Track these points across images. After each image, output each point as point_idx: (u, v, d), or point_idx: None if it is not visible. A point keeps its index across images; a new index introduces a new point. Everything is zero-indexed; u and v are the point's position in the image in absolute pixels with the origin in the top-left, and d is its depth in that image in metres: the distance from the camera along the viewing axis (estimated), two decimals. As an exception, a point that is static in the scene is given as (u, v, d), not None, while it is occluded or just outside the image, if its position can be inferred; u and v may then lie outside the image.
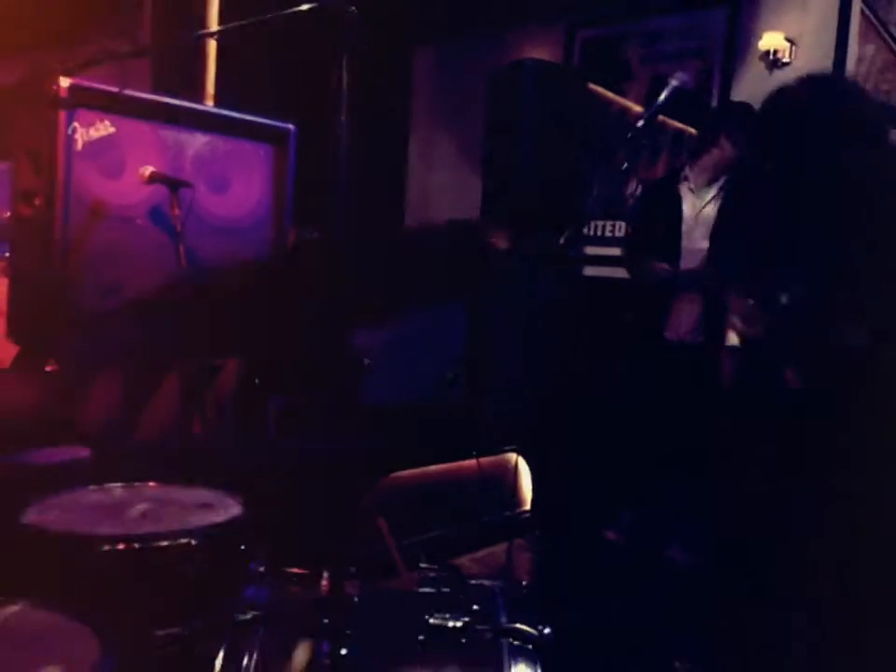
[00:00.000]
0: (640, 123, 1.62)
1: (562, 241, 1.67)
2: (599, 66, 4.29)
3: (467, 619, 1.22)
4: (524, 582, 1.37)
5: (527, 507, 3.10)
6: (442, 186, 4.85)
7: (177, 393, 2.44)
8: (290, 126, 2.72)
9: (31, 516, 1.53)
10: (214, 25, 4.17)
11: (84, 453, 2.43)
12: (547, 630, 1.22)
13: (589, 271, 4.06)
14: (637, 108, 4.16)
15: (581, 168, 3.30)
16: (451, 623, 1.22)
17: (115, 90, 2.11)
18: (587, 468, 2.91)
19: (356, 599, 1.32)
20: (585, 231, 3.97)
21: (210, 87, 4.23)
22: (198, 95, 4.14)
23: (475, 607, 1.26)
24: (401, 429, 2.53)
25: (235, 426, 2.67)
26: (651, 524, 2.87)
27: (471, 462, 2.71)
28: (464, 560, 2.73)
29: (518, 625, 1.25)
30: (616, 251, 3.51)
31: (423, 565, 1.37)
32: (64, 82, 2.12)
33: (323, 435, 2.67)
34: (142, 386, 2.46)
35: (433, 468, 2.76)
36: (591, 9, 4.37)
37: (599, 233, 4.11)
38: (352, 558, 1.69)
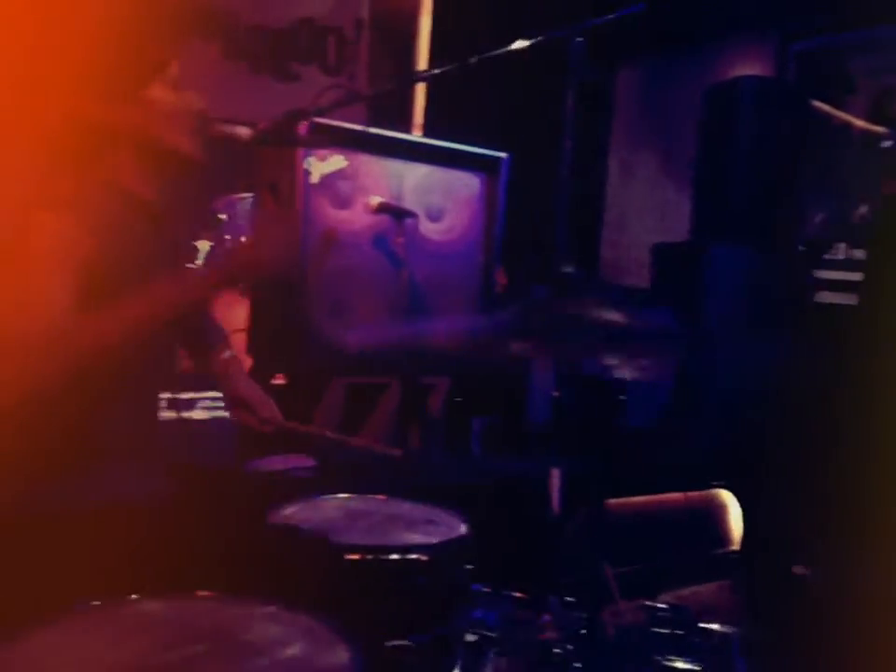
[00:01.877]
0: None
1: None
2: (817, 80, 4.06)
3: (702, 665, 1.20)
4: (760, 629, 1.31)
5: (736, 546, 2.96)
6: (643, 206, 4.78)
7: (396, 409, 2.58)
8: (503, 155, 2.80)
9: (275, 519, 1.67)
10: (424, 61, 4.41)
11: (309, 462, 2.62)
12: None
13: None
14: (860, 123, 3.89)
15: (800, 187, 3.14)
16: (686, 667, 1.19)
17: (356, 127, 2.28)
18: (800, 506, 2.74)
19: (583, 630, 1.32)
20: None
21: (419, 117, 4.46)
22: (407, 125, 4.38)
23: (709, 653, 1.23)
24: (608, 456, 2.51)
25: (443, 443, 2.76)
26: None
27: (678, 496, 2.63)
28: (666, 597, 2.65)
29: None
30: (839, 275, 3.29)
31: (649, 602, 1.35)
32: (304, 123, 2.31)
33: (529, 456, 2.72)
34: (364, 401, 2.61)
35: (636, 499, 2.71)
36: (806, 21, 4.16)
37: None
38: (562, 584, 1.70)
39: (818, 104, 3.55)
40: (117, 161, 1.56)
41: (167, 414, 1.98)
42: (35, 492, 1.41)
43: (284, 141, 2.34)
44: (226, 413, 2.57)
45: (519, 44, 1.92)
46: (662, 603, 1.35)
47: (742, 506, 2.97)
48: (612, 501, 2.72)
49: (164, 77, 1.57)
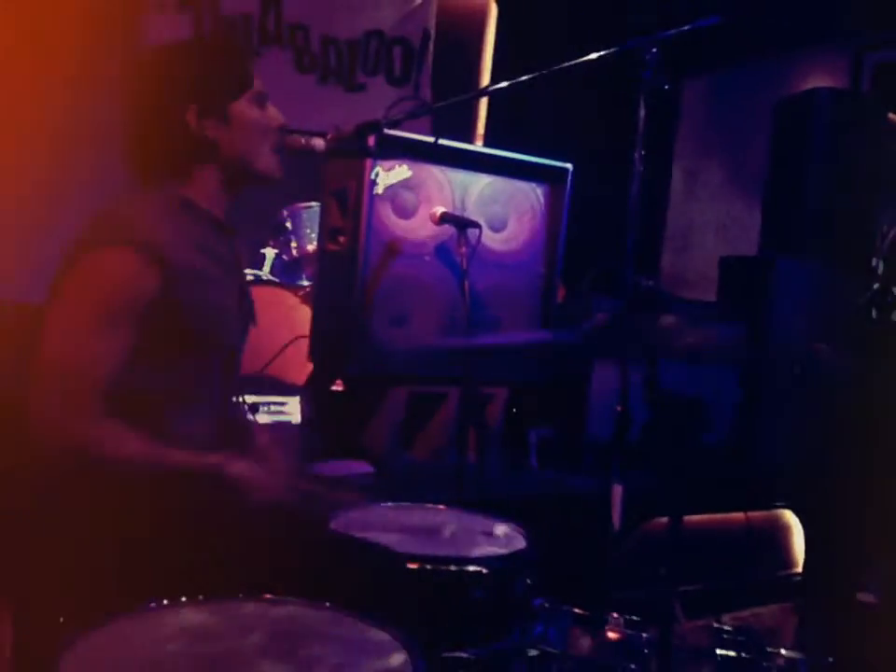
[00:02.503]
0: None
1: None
2: (893, 92, 3.94)
3: (769, 690, 1.16)
4: (829, 658, 1.27)
5: (799, 568, 2.88)
6: (708, 220, 4.69)
7: (454, 419, 2.58)
8: (568, 165, 2.78)
9: (335, 525, 1.68)
10: (489, 73, 4.43)
11: (366, 468, 2.65)
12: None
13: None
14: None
15: (874, 202, 3.05)
16: (753, 692, 1.16)
17: (422, 137, 2.30)
18: (867, 531, 2.65)
19: (645, 650, 1.30)
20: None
21: (480, 127, 4.48)
22: (470, 136, 4.40)
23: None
24: (671, 473, 2.47)
25: (501, 454, 2.75)
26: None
27: (740, 516, 2.57)
28: (726, 618, 2.59)
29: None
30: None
31: (716, 624, 1.32)
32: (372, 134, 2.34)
33: (588, 470, 2.69)
34: (422, 411, 2.61)
35: (698, 517, 2.66)
36: (881, 32, 4.05)
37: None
38: (622, 600, 1.68)
39: (893, 116, 3.44)
40: (204, 180, 1.58)
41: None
42: (103, 491, 1.44)
43: (354, 152, 2.39)
44: (289, 417, 2.62)
45: (591, 55, 1.92)
46: (726, 625, 1.31)
47: (806, 528, 2.89)
48: (675, 518, 2.68)
49: (251, 94, 1.60)
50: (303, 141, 1.73)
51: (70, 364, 1.36)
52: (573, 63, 2.00)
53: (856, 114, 3.11)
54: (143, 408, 1.46)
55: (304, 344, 2.72)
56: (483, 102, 4.45)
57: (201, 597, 1.15)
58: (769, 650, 1.30)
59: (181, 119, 1.53)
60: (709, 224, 4.70)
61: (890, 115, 3.25)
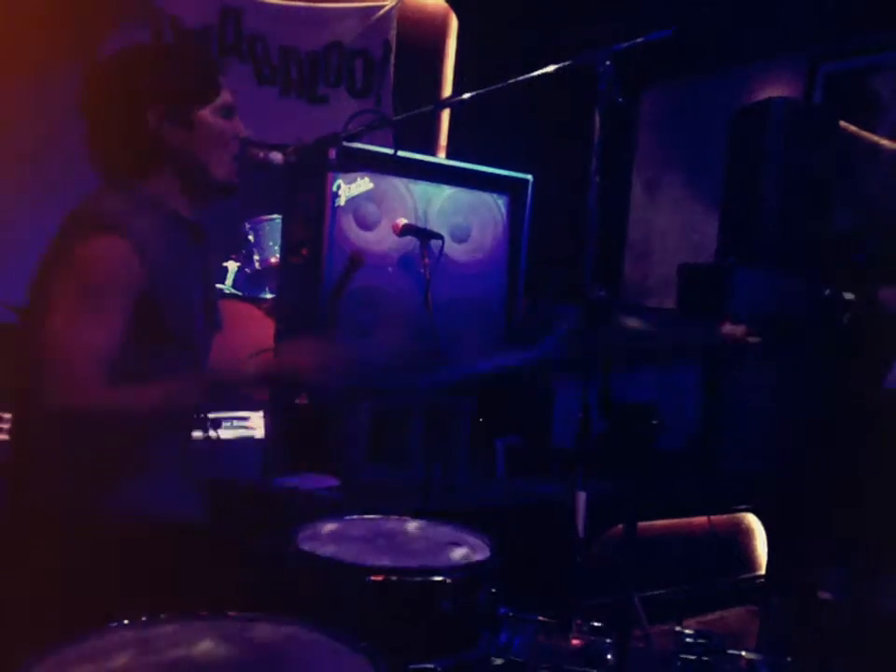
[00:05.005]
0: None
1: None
2: (845, 101, 4.05)
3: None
4: (788, 658, 1.30)
5: (762, 571, 2.92)
6: (669, 228, 4.76)
7: (420, 430, 2.58)
8: (529, 176, 2.81)
9: (300, 539, 1.68)
10: (450, 85, 4.45)
11: (331, 481, 2.63)
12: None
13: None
14: (889, 144, 3.86)
15: (831, 209, 3.12)
16: (714, 695, 1.18)
17: (383, 150, 2.30)
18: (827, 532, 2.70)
19: (609, 656, 1.31)
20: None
21: (443, 139, 4.50)
22: (432, 147, 4.42)
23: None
24: (638, 480, 2.50)
25: (468, 464, 2.76)
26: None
27: (703, 520, 2.60)
28: (691, 623, 2.62)
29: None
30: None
31: (678, 628, 1.34)
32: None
33: (553, 478, 2.70)
34: (388, 423, 2.61)
35: (661, 522, 2.69)
36: (834, 44, 4.16)
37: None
38: (588, 607, 1.69)
39: (846, 125, 3.53)
40: (163, 180, 1.59)
41: (194, 434, 2.00)
42: (69, 505, 1.43)
43: (314, 165, 2.38)
44: (252, 433, 2.60)
45: (548, 68, 1.94)
46: (688, 628, 1.33)
47: (768, 530, 2.94)
48: (638, 525, 2.70)
49: (219, 103, 1.61)
50: (261, 155, 1.73)
51: (73, 344, 1.39)
52: (531, 75, 2.02)
53: (809, 122, 3.18)
54: None
55: (269, 357, 2.70)
56: (446, 113, 4.48)
57: (163, 616, 1.14)
58: (731, 652, 1.32)
59: (143, 117, 1.53)
60: (671, 232, 4.77)
61: (842, 123, 3.34)
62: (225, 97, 1.62)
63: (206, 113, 1.59)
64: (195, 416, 1.81)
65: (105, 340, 1.41)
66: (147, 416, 1.46)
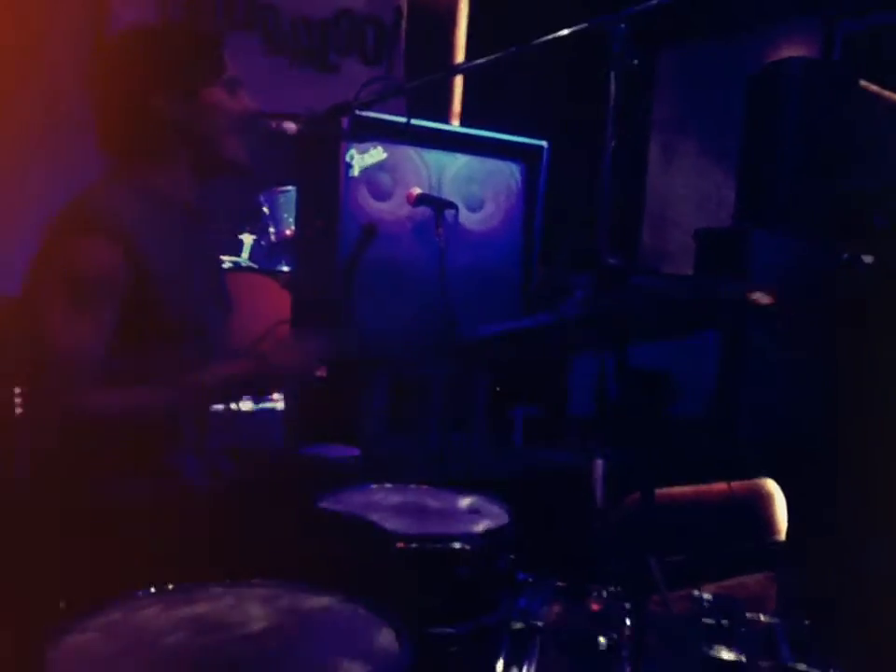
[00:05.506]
0: None
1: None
2: (864, 60, 3.97)
3: (748, 654, 1.19)
4: (806, 621, 1.31)
5: (782, 537, 2.93)
6: (685, 192, 4.71)
7: (439, 401, 2.59)
8: (543, 143, 2.78)
9: (322, 506, 1.70)
10: (462, 51, 4.39)
11: (352, 451, 2.66)
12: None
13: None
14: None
15: (851, 170, 3.07)
16: (731, 657, 1.19)
17: (396, 118, 2.29)
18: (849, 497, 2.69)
19: (627, 621, 1.33)
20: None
21: (457, 107, 4.45)
22: (445, 115, 4.37)
23: (755, 642, 1.23)
24: (654, 446, 2.50)
25: (485, 434, 2.77)
26: None
27: (722, 485, 2.61)
28: (710, 588, 2.63)
29: (802, 665, 1.20)
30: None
31: (696, 593, 1.35)
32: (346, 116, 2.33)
33: (570, 447, 2.72)
34: (407, 393, 2.63)
35: (680, 489, 2.69)
36: (852, 2, 4.07)
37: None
38: (606, 573, 1.70)
39: (866, 84, 3.46)
40: (170, 162, 1.58)
41: (216, 406, 2.02)
42: (94, 482, 1.45)
43: (327, 134, 2.37)
44: (273, 404, 2.63)
45: (562, 31, 1.92)
46: (707, 593, 1.34)
47: (788, 496, 2.94)
48: (657, 491, 2.71)
49: (223, 80, 1.60)
50: (274, 124, 1.72)
51: (59, 346, 1.42)
52: (544, 39, 1.99)
53: (827, 82, 3.12)
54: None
55: (286, 330, 2.71)
56: (459, 80, 4.42)
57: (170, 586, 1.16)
58: (749, 616, 1.33)
59: (151, 101, 1.53)
60: (688, 197, 4.72)
61: (862, 82, 3.27)
62: (230, 74, 1.61)
63: (212, 90, 1.58)
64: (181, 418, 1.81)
65: (90, 341, 1.43)
66: (120, 421, 1.48)
